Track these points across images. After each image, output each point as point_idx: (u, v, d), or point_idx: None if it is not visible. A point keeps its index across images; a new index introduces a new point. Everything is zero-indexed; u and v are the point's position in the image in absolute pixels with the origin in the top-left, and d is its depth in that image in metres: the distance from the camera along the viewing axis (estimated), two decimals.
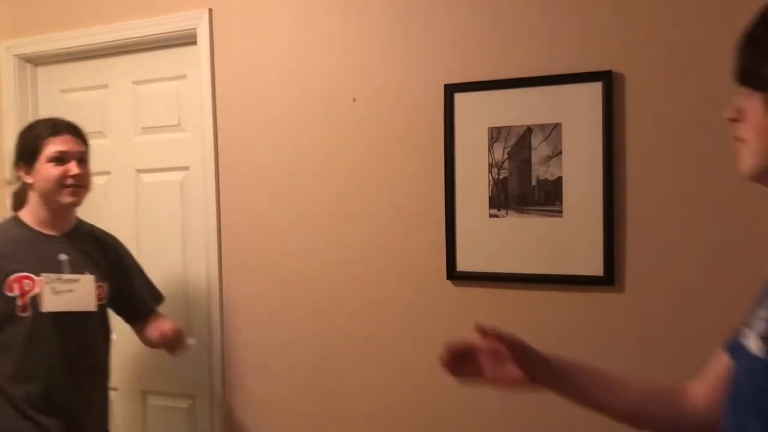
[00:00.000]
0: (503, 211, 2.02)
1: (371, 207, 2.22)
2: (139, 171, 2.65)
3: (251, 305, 2.40)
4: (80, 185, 1.97)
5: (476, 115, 2.04)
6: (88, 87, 2.74)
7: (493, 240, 2.04)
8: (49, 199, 1.95)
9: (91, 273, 2.00)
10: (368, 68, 2.19)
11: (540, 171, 1.97)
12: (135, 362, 2.63)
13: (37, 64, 2.83)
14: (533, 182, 1.98)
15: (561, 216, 1.94)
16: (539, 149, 1.97)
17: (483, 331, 1.08)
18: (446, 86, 2.07)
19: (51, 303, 1.92)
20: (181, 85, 2.55)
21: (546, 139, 1.96)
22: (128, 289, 2.16)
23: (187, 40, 2.48)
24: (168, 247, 2.60)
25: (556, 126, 1.95)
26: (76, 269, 1.98)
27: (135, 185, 2.66)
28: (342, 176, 2.26)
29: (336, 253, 2.27)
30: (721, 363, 1.06)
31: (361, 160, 2.21)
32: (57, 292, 1.93)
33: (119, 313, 2.18)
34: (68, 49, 2.70)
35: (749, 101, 0.87)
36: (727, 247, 1.79)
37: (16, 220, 2.00)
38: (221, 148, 2.43)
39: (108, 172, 2.69)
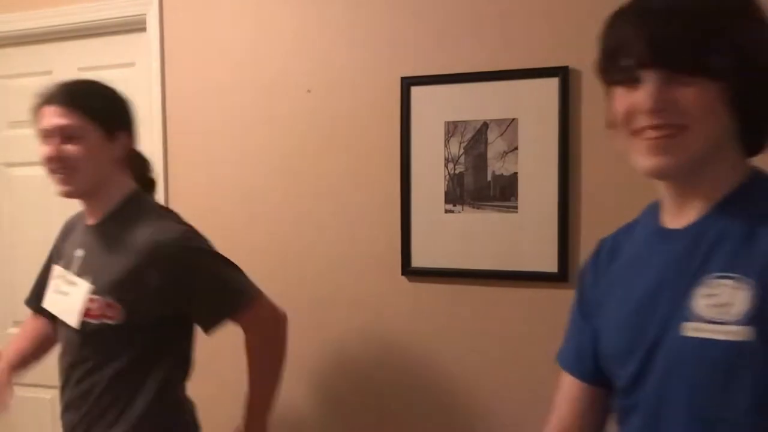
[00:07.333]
0: (459, 207, 2.00)
1: (325, 201, 2.18)
2: None
3: None
4: (60, 168, 1.51)
5: (433, 109, 2.02)
6: (30, 73, 2.62)
7: (448, 235, 2.01)
8: None
9: (93, 282, 1.51)
10: (324, 59, 2.15)
11: (496, 166, 1.96)
12: None
13: None
14: (489, 177, 1.97)
15: (516, 212, 1.93)
16: (495, 144, 1.96)
17: None
18: (403, 79, 2.04)
19: (49, 300, 1.62)
20: (129, 73, 2.46)
21: (502, 134, 1.95)
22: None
23: (137, 26, 2.40)
24: None
25: (513, 121, 1.94)
26: (83, 272, 1.54)
27: None
28: (296, 169, 2.21)
29: (289, 248, 2.22)
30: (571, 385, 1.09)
31: (316, 153, 2.17)
32: (57, 291, 1.59)
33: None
34: (10, 33, 2.59)
35: (687, 89, 0.84)
36: None
37: None
38: (170, 138, 2.36)
39: None
